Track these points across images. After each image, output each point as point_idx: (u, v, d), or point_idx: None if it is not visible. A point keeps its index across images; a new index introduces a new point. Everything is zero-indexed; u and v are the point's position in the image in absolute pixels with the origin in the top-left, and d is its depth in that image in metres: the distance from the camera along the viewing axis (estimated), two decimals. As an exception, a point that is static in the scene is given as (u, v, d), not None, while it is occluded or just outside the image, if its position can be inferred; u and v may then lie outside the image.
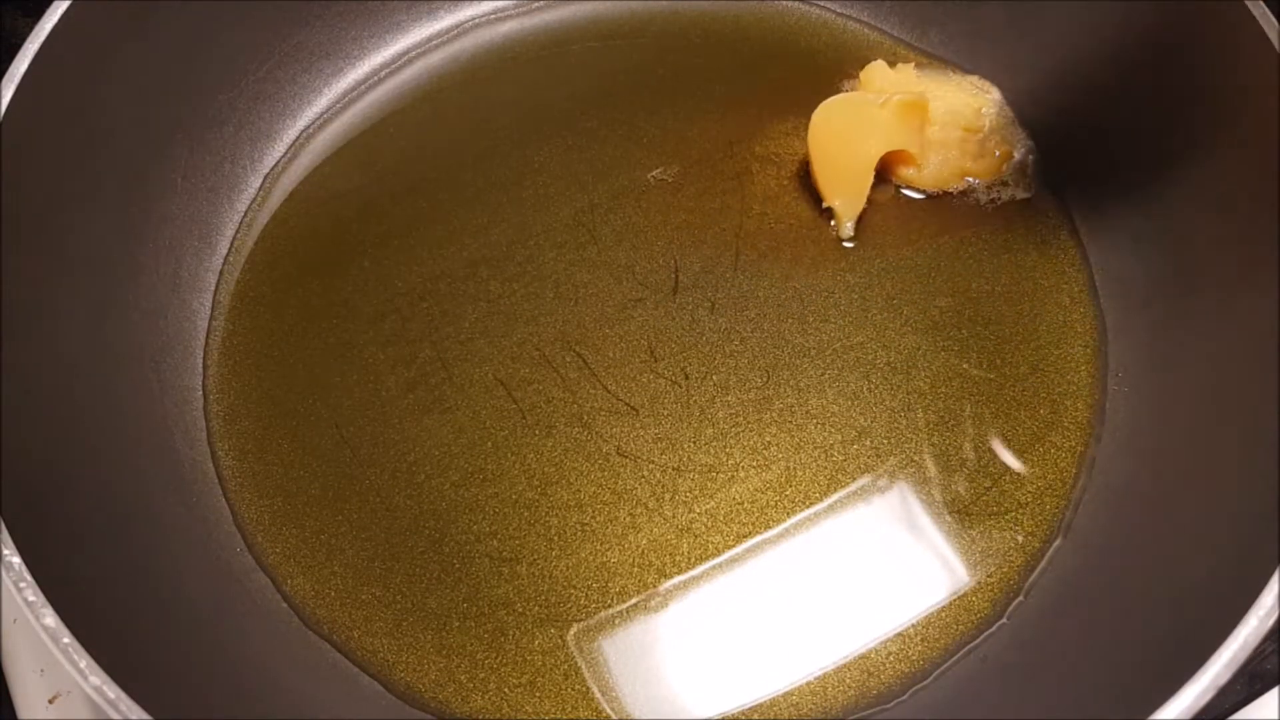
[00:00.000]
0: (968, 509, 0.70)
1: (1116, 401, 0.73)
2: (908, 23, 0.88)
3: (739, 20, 0.90)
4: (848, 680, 0.65)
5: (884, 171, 0.80)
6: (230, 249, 0.80)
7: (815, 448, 0.72)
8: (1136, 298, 0.75)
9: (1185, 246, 0.72)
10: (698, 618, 0.67)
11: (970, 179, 0.80)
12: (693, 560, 0.69)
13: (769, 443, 0.72)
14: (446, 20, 0.91)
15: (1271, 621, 0.52)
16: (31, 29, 0.67)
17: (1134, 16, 0.74)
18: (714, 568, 0.69)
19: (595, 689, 0.66)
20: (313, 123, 0.86)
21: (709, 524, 0.70)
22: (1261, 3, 0.65)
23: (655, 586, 0.68)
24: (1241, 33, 0.65)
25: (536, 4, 0.91)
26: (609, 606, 0.68)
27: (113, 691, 0.52)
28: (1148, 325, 0.74)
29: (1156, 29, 0.72)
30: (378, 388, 0.75)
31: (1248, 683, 0.66)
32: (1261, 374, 0.63)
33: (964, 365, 0.74)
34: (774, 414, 0.73)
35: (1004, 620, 0.67)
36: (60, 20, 0.68)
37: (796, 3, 0.90)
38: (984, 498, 0.70)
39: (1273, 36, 0.64)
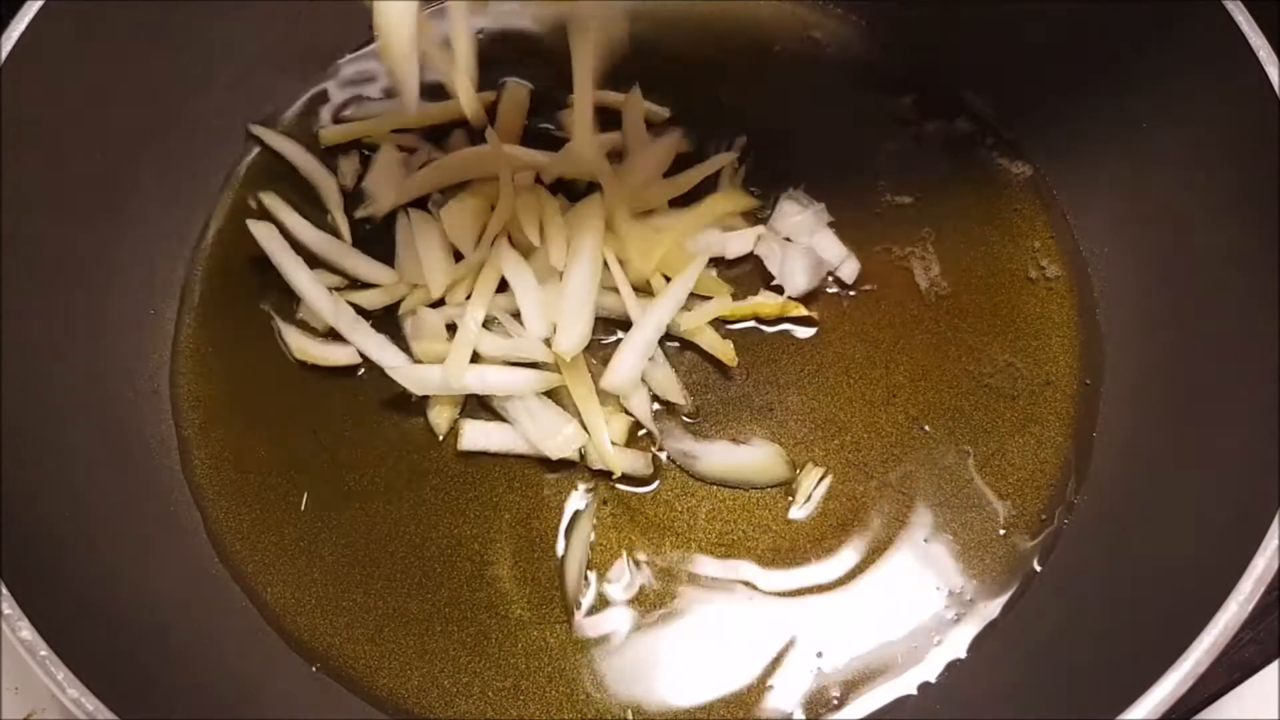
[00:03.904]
0: (948, 501, 0.70)
1: (1098, 393, 0.73)
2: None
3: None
4: (834, 676, 0.65)
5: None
6: (203, 254, 0.80)
7: (795, 443, 0.72)
8: (1119, 287, 0.76)
9: (1174, 231, 0.72)
10: (682, 617, 0.67)
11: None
12: (675, 559, 0.69)
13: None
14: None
15: (1250, 608, 0.53)
16: (-3, 39, 0.67)
17: (1128, 17, 0.74)
18: (696, 566, 0.69)
19: (579, 690, 0.66)
20: (284, 124, 0.85)
21: (691, 522, 0.70)
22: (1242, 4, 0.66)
23: (638, 587, 0.68)
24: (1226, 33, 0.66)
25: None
26: (592, 608, 0.68)
27: (91, 704, 0.52)
28: (1128, 315, 0.74)
29: (1144, 26, 0.73)
30: (355, 391, 0.74)
31: (1227, 671, 0.67)
32: (1243, 361, 0.64)
33: (942, 358, 0.75)
34: (753, 410, 0.73)
35: (988, 614, 0.67)
36: (27, 29, 0.67)
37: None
38: (965, 490, 0.71)
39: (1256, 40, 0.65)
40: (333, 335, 0.75)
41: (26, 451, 0.63)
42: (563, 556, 0.69)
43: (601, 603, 0.68)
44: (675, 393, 0.73)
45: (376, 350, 0.74)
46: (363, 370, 0.75)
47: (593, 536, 0.69)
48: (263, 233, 0.77)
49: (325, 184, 0.81)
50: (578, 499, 0.71)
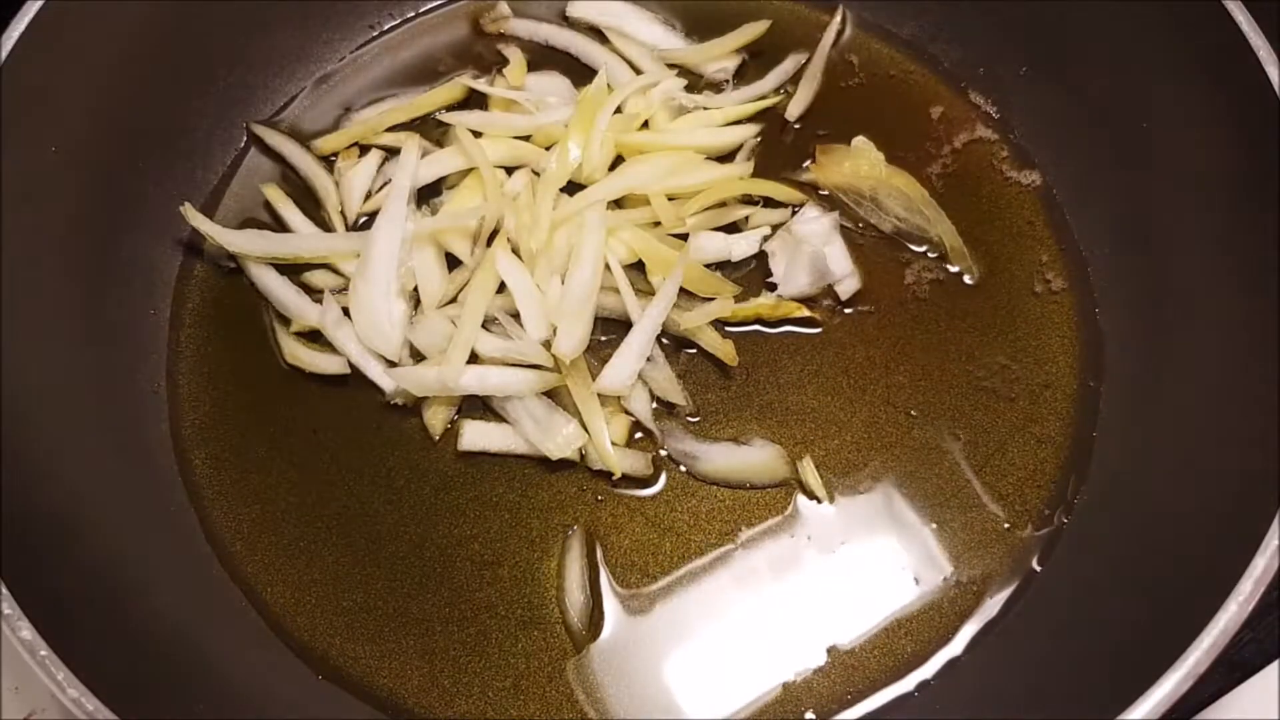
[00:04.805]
0: (948, 502, 0.70)
1: (1099, 393, 0.73)
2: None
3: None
4: (834, 677, 0.66)
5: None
6: (203, 255, 0.80)
7: (795, 443, 0.72)
8: (1120, 288, 0.76)
9: (1175, 232, 0.72)
10: (681, 617, 0.67)
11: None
12: (675, 560, 0.69)
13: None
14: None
15: (1250, 608, 0.53)
16: (-1, 37, 0.67)
17: (1122, 22, 0.75)
18: (697, 567, 0.69)
19: (580, 691, 0.66)
20: (284, 124, 0.85)
21: (691, 522, 0.70)
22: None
23: (638, 587, 0.68)
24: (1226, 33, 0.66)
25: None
26: (593, 608, 0.67)
27: (91, 704, 0.52)
28: (1129, 317, 0.74)
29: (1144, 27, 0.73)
30: (355, 391, 0.74)
31: (1227, 671, 0.67)
32: (1243, 361, 0.64)
33: (942, 359, 0.75)
34: (754, 411, 0.73)
35: (987, 613, 0.67)
36: (27, 29, 0.68)
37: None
38: (965, 490, 0.70)
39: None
40: (326, 342, 0.75)
41: (26, 452, 0.63)
42: (563, 557, 0.69)
43: (602, 603, 0.68)
44: (675, 393, 0.73)
45: (359, 355, 0.74)
46: (361, 371, 0.75)
47: (593, 537, 0.69)
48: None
49: (323, 184, 0.81)
50: (578, 499, 0.71)
